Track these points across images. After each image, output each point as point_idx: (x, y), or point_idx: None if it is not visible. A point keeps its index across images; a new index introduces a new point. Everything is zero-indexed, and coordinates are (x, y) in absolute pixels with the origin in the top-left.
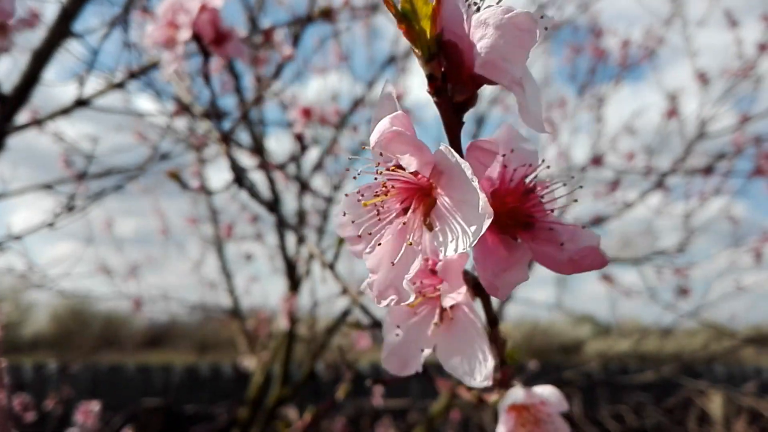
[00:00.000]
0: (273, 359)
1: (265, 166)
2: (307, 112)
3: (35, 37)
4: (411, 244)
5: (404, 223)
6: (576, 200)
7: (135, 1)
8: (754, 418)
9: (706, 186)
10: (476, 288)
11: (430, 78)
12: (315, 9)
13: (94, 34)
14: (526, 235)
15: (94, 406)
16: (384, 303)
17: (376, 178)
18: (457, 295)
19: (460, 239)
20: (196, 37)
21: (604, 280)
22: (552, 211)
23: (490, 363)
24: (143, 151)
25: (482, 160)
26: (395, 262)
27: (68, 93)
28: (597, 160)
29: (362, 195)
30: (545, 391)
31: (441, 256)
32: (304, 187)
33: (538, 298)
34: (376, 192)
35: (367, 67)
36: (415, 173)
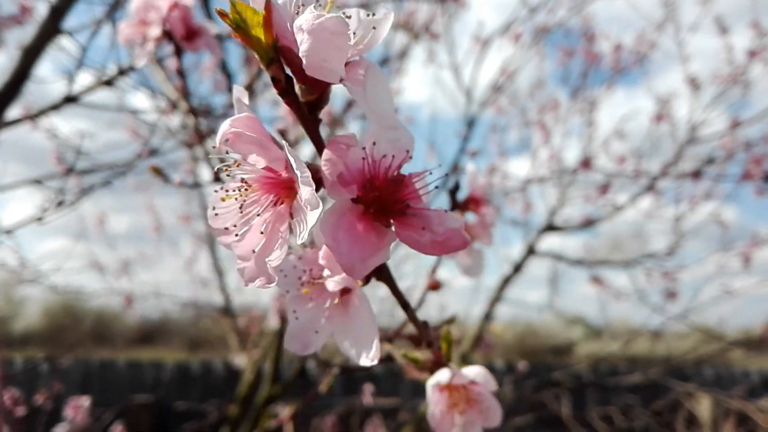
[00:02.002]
0: (264, 357)
1: None
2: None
3: (26, 34)
4: (262, 233)
5: (264, 217)
6: (437, 187)
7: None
8: (742, 420)
9: (697, 190)
10: (374, 272)
11: (274, 80)
12: None
13: (85, 32)
14: (397, 221)
15: (84, 401)
16: (251, 286)
17: (228, 175)
18: (341, 280)
19: (305, 229)
20: (168, 34)
21: (595, 282)
22: (423, 197)
23: (376, 342)
24: (137, 147)
25: (340, 153)
26: (256, 250)
27: (62, 90)
28: (586, 163)
29: (226, 191)
30: (472, 371)
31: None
32: None
33: (530, 299)
34: (237, 188)
35: None
36: (270, 168)
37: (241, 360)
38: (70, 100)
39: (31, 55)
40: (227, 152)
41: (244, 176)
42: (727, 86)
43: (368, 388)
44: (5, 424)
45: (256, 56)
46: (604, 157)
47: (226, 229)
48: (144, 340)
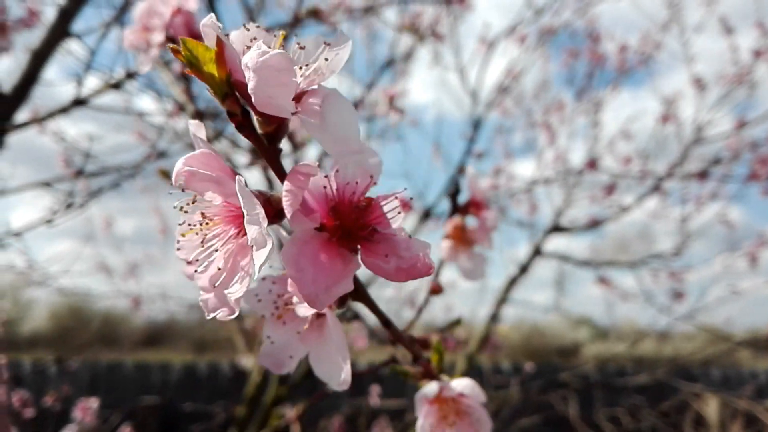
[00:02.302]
0: None
1: (263, 165)
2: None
3: (35, 37)
4: (219, 269)
5: (225, 250)
6: (400, 212)
7: (131, 3)
8: (750, 421)
9: (703, 190)
10: (351, 294)
11: (230, 115)
12: (302, 9)
13: (93, 35)
14: (364, 248)
15: (93, 402)
16: (212, 316)
17: (186, 211)
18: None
19: (256, 269)
20: (172, 40)
21: (601, 283)
22: (391, 220)
23: (346, 368)
24: (143, 150)
25: (300, 184)
26: (216, 285)
27: (70, 93)
28: (592, 164)
29: (189, 225)
30: (460, 383)
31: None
32: None
33: (536, 300)
34: (199, 221)
35: (366, 70)
36: (229, 203)
37: (248, 361)
38: (79, 102)
39: (40, 58)
40: (183, 190)
41: (204, 211)
42: (732, 86)
43: (375, 389)
44: (14, 425)
45: (211, 91)
46: (610, 158)
47: (190, 261)
48: (150, 342)
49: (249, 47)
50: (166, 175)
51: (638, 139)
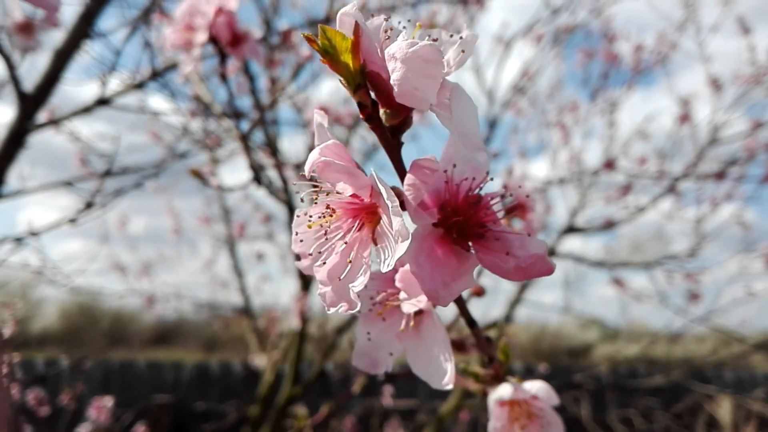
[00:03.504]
0: (283, 358)
1: (279, 165)
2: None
3: (55, 38)
4: (350, 261)
5: (347, 242)
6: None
7: (154, 4)
8: (763, 424)
9: (718, 191)
10: None
11: (360, 106)
12: (333, 10)
13: (114, 35)
14: (477, 245)
15: (108, 401)
16: (333, 310)
17: (315, 202)
18: (417, 302)
19: (391, 258)
20: (213, 39)
21: (615, 284)
22: (500, 220)
23: (450, 367)
24: (157, 151)
25: (424, 178)
26: (341, 277)
27: (83, 92)
28: (609, 164)
29: (310, 217)
30: (534, 386)
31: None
32: None
33: (546, 300)
34: (321, 214)
35: None
36: (355, 195)
37: (260, 361)
38: (103, 102)
39: (63, 57)
40: (316, 180)
41: (329, 202)
42: (749, 87)
43: (388, 390)
44: (29, 423)
45: (343, 81)
46: (624, 159)
47: (309, 254)
48: (160, 340)
49: (388, 38)
50: (196, 174)
51: (653, 140)
